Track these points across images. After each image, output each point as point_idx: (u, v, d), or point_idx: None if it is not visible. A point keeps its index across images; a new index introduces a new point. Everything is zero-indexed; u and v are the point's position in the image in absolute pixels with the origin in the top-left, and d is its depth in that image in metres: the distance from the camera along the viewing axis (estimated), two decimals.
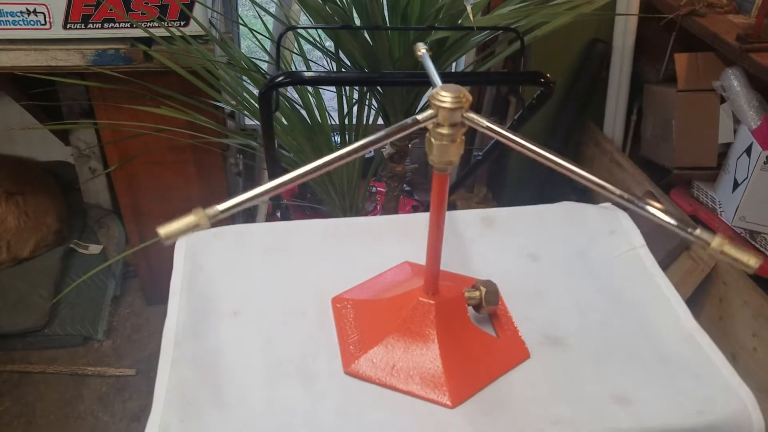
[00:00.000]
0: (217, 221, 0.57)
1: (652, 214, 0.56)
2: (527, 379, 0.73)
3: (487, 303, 0.77)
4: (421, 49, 0.82)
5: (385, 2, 1.36)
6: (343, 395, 0.70)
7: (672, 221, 0.55)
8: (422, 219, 0.94)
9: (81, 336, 2.06)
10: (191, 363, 0.71)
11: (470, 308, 0.78)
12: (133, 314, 2.19)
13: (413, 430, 0.67)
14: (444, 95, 0.63)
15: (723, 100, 1.95)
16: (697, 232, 0.55)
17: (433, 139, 0.66)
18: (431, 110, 0.64)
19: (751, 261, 0.53)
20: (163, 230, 0.48)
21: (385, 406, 0.69)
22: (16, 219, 2.11)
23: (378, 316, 0.77)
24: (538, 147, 0.63)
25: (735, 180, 1.87)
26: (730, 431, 0.68)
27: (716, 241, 0.54)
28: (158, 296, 2.20)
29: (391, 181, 1.62)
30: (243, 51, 2.18)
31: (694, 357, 0.75)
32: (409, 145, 1.57)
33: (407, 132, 0.64)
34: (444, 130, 0.65)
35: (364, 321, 0.77)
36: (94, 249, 2.28)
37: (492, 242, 0.91)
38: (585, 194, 2.36)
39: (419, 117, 0.65)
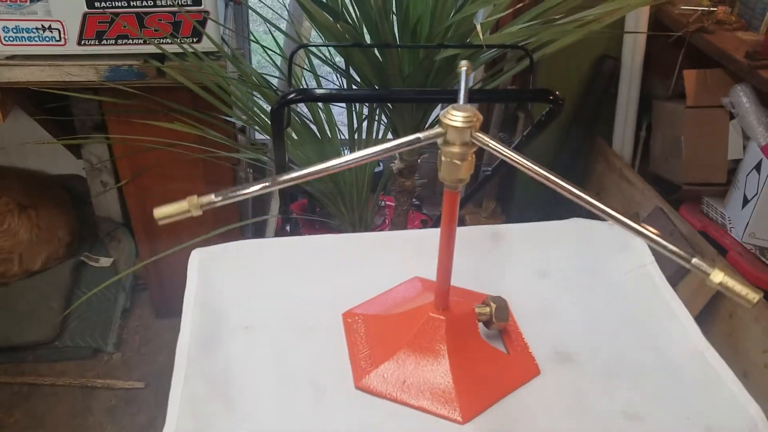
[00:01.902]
0: (208, 209, 0.63)
1: (655, 242, 0.56)
2: (537, 396, 0.73)
3: (497, 319, 0.77)
4: (463, 66, 0.80)
5: (395, 20, 1.38)
6: (354, 410, 0.71)
7: (672, 248, 0.55)
8: (433, 234, 0.95)
9: (91, 348, 2.07)
10: (204, 377, 0.72)
11: (480, 324, 0.79)
12: (143, 327, 2.20)
13: None
14: (455, 114, 0.64)
15: (732, 117, 1.95)
16: (694, 261, 0.55)
17: (443, 158, 0.67)
18: (438, 128, 0.65)
19: (750, 296, 0.53)
20: (157, 212, 0.50)
21: (396, 421, 0.70)
22: (28, 232, 2.13)
23: (388, 332, 0.77)
24: (543, 169, 0.63)
25: (745, 196, 1.87)
26: None
27: (715, 274, 0.54)
28: (168, 309, 2.21)
29: (401, 195, 1.63)
30: (254, 66, 2.20)
31: (703, 374, 0.75)
32: (419, 161, 1.58)
33: (413, 147, 0.65)
34: (455, 149, 0.66)
35: (374, 336, 0.78)
36: (105, 262, 2.30)
37: (502, 258, 0.91)
38: None
39: (422, 135, 0.65)
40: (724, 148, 1.99)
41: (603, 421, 0.70)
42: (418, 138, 0.64)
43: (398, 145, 0.65)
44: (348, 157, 0.65)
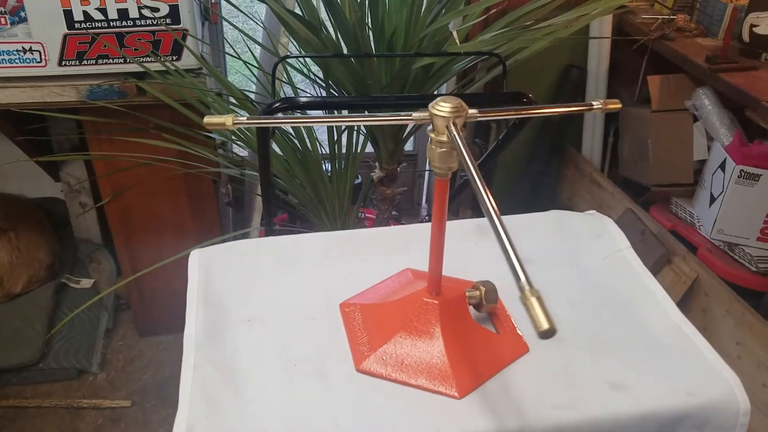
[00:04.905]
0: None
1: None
2: (528, 370, 0.77)
3: (487, 301, 0.82)
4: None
5: (371, 34, 1.43)
6: (357, 391, 0.74)
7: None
8: (420, 229, 0.99)
9: (75, 369, 2.07)
10: (212, 365, 0.75)
11: (471, 308, 0.83)
12: (126, 346, 2.21)
13: (425, 420, 0.71)
14: (443, 105, 0.69)
15: (696, 119, 2.03)
16: (593, 104, 0.80)
17: (433, 146, 0.71)
18: (442, 123, 0.70)
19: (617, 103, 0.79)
20: (546, 324, 0.54)
21: (397, 399, 0.73)
22: (8, 255, 2.13)
23: (385, 318, 0.81)
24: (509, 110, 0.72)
25: (711, 195, 1.94)
26: (719, 410, 0.73)
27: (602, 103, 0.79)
28: (151, 328, 2.22)
29: (381, 203, 1.67)
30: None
31: (681, 345, 0.80)
32: (398, 169, 1.63)
33: (398, 121, 0.74)
34: (443, 138, 0.70)
35: (372, 323, 0.81)
36: (86, 283, 2.30)
37: (487, 248, 0.96)
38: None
39: (414, 114, 0.71)
40: (689, 149, 2.06)
41: (590, 392, 0.74)
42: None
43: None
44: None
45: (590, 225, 1.00)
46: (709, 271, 1.84)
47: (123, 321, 2.29)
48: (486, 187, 0.64)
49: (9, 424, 1.92)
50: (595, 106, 0.80)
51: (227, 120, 0.75)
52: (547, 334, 0.54)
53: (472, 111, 0.71)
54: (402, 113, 0.74)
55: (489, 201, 0.63)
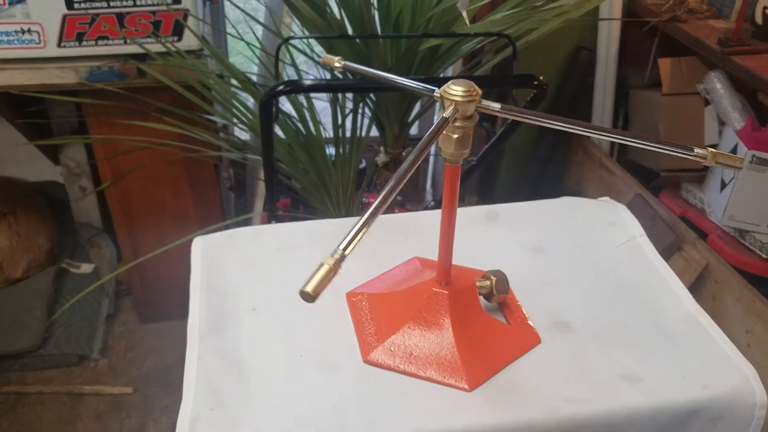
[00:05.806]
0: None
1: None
2: (540, 363, 0.75)
3: (498, 292, 0.79)
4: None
5: (376, 14, 1.39)
6: (364, 383, 0.72)
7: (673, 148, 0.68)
8: (428, 217, 0.97)
9: (76, 355, 2.05)
10: (216, 356, 0.73)
11: (481, 298, 0.80)
12: (128, 332, 2.19)
13: (434, 412, 0.69)
14: (455, 89, 0.65)
15: (707, 103, 2.00)
16: (696, 150, 0.68)
17: (446, 132, 0.68)
18: (448, 106, 0.66)
19: (737, 161, 0.68)
20: (310, 287, 0.52)
21: (406, 391, 0.71)
22: (8, 239, 2.10)
23: (393, 308, 0.79)
24: (549, 117, 0.71)
25: (722, 180, 1.91)
26: (735, 404, 0.71)
27: (710, 154, 0.67)
28: (152, 314, 2.19)
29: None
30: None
31: (696, 336, 0.78)
32: (403, 153, 1.60)
33: (424, 92, 0.73)
34: (457, 123, 0.67)
35: (379, 313, 0.79)
36: (86, 268, 2.28)
37: (497, 236, 0.93)
38: None
39: (446, 114, 0.66)
40: (700, 133, 2.03)
41: (604, 385, 0.72)
42: (445, 118, 0.66)
43: (435, 130, 0.66)
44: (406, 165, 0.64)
45: (603, 212, 0.97)
46: (719, 258, 1.81)
47: (124, 307, 2.27)
48: (398, 185, 0.63)
49: (10, 410, 1.91)
50: (697, 153, 0.67)
51: (332, 60, 0.83)
52: (305, 296, 0.53)
53: (494, 105, 0.68)
54: (427, 84, 0.73)
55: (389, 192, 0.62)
